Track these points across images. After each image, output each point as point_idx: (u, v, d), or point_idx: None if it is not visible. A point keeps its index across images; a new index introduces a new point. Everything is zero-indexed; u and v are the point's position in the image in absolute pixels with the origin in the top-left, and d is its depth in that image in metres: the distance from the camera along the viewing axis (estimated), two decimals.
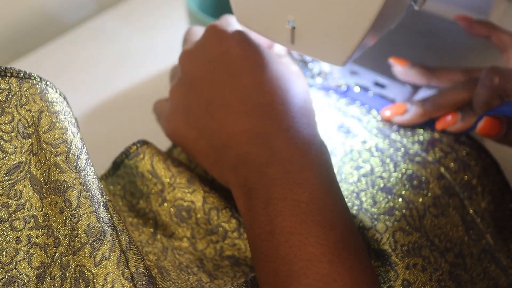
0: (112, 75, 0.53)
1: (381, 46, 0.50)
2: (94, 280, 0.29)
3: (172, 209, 0.38)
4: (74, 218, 0.31)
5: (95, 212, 0.31)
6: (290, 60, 0.43)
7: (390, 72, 0.48)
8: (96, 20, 0.69)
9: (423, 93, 0.46)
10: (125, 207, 0.39)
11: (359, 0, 0.30)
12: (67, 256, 0.31)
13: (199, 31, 0.43)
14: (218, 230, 0.38)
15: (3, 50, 0.62)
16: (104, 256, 0.29)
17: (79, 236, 0.30)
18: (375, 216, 0.35)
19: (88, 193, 0.31)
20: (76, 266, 0.30)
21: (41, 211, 0.32)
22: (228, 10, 0.39)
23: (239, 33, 0.38)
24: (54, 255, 0.31)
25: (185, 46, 0.42)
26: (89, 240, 0.30)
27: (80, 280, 0.29)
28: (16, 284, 0.31)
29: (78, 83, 0.59)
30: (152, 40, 0.66)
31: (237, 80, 0.36)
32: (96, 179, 0.32)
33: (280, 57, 0.42)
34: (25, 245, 0.32)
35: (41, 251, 0.32)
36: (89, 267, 0.29)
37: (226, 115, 0.36)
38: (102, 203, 0.31)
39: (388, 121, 0.42)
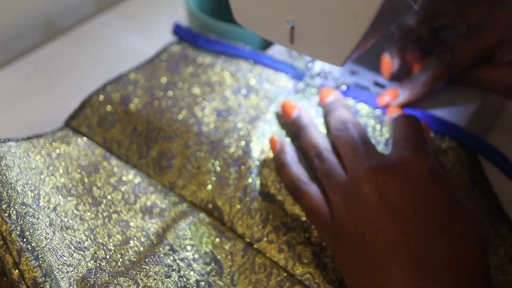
0: (112, 75, 0.53)
1: (381, 46, 0.50)
2: None
3: (52, 189, 0.38)
4: None
5: None
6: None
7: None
8: (96, 21, 0.69)
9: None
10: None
11: (359, 0, 0.30)
12: None
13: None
14: (103, 200, 0.39)
15: (3, 50, 0.62)
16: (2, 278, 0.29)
17: None
18: None
19: None
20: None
21: None
22: (228, 10, 0.39)
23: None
24: None
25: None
26: None
27: None
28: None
29: (78, 83, 0.59)
30: (152, 40, 0.66)
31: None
32: None
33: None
34: None
35: None
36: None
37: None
38: None
39: (386, 106, 0.44)
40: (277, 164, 0.39)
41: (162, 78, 0.46)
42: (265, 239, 0.37)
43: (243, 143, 0.40)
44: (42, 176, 0.38)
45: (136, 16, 0.70)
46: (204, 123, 0.42)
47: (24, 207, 0.34)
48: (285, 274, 0.36)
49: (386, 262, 0.30)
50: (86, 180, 0.40)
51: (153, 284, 0.33)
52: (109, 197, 0.39)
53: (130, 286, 0.32)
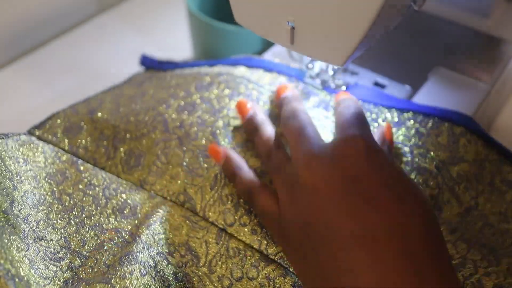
0: (112, 75, 0.53)
1: (381, 46, 0.50)
2: None
3: (23, 197, 0.37)
4: None
5: None
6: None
7: (389, 72, 0.48)
8: (96, 20, 0.69)
9: (423, 93, 0.46)
10: None
11: (359, 0, 0.30)
12: None
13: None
14: (74, 207, 0.38)
15: (3, 50, 0.62)
16: None
17: None
18: None
19: None
20: None
21: None
22: (228, 10, 0.39)
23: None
24: None
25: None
26: None
27: None
28: None
29: (78, 83, 0.59)
30: (152, 40, 0.66)
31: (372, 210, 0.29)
32: None
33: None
34: None
35: None
36: None
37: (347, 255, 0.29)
38: None
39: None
40: (227, 174, 0.39)
41: (129, 92, 0.48)
42: (238, 223, 0.37)
43: (209, 134, 0.41)
44: (13, 183, 0.37)
45: (136, 16, 0.70)
46: (169, 120, 0.43)
47: (5, 215, 0.33)
48: (259, 255, 0.36)
49: (331, 245, 0.29)
50: (55, 189, 0.39)
51: (128, 284, 0.33)
52: (79, 203, 0.39)
53: None
